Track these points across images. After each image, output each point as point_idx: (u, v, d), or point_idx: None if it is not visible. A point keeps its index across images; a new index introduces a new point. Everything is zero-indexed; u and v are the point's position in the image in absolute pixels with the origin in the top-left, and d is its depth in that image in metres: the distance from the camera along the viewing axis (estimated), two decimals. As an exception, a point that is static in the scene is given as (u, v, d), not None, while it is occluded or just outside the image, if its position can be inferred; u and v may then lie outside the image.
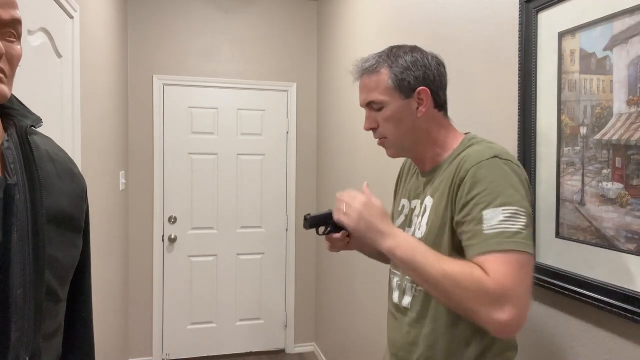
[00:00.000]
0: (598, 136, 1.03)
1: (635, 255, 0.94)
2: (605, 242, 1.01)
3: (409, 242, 0.94)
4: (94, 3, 2.25)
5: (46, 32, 1.58)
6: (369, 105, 1.08)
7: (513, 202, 0.88)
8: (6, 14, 0.65)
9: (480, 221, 0.88)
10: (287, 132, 3.56)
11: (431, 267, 0.88)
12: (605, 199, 1.01)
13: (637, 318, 0.93)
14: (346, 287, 2.88)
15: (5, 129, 0.71)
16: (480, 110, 1.48)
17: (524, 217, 0.88)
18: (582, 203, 1.07)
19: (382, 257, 1.25)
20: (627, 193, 0.96)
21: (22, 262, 0.66)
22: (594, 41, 1.03)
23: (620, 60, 0.97)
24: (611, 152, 1.00)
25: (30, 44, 1.44)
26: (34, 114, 0.78)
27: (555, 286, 1.13)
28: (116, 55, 2.81)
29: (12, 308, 0.65)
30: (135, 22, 3.24)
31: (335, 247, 1.26)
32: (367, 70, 1.07)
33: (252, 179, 3.50)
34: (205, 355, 3.44)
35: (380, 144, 1.12)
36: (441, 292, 0.89)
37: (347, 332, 2.86)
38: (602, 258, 1.02)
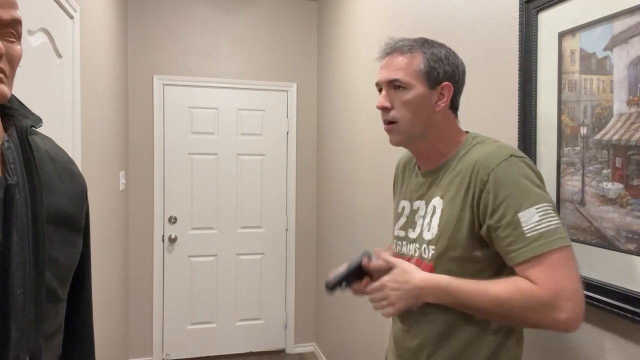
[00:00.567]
0: (598, 136, 1.03)
1: (635, 255, 0.94)
2: (605, 242, 1.01)
3: (450, 286, 0.96)
4: (94, 3, 2.25)
5: (46, 32, 1.58)
6: (391, 83, 1.05)
7: (541, 200, 0.90)
8: (6, 14, 0.65)
9: (518, 224, 0.89)
10: (287, 132, 3.56)
11: (481, 300, 0.92)
12: (605, 199, 1.01)
13: (637, 318, 0.93)
14: (346, 287, 2.88)
15: (5, 129, 0.71)
16: (480, 110, 1.47)
17: (554, 212, 0.90)
18: (582, 203, 1.07)
19: None
20: (627, 193, 0.96)
21: (22, 262, 0.66)
22: (594, 41, 1.03)
23: (620, 60, 0.97)
24: (611, 152, 1.00)
25: (30, 44, 1.44)
26: (34, 114, 0.78)
27: (555, 286, 1.13)
28: (116, 55, 2.81)
29: (12, 308, 0.65)
30: (135, 22, 3.24)
31: (364, 292, 1.18)
32: (399, 49, 1.05)
33: (252, 179, 3.50)
34: (205, 355, 3.44)
35: (389, 129, 1.08)
36: (500, 317, 0.94)
37: (347, 332, 2.86)
38: (602, 258, 1.02)
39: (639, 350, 0.95)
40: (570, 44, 1.10)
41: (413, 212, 1.12)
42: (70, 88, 1.83)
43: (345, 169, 2.92)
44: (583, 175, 1.07)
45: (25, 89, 1.34)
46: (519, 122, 1.26)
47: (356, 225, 2.70)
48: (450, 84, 1.04)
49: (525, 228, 0.88)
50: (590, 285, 1.04)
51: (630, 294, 0.95)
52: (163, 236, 3.35)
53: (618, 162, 0.98)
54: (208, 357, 3.44)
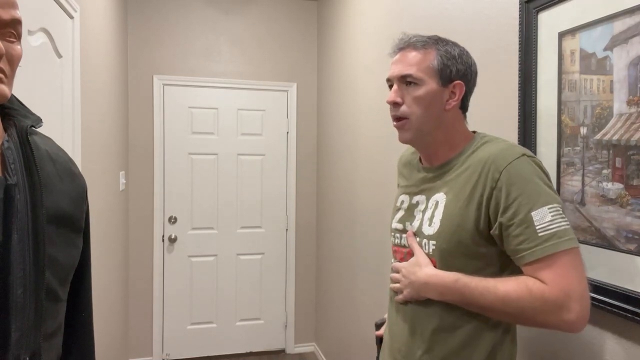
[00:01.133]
0: (598, 136, 1.03)
1: (635, 255, 0.94)
2: (605, 242, 1.01)
3: (457, 283, 0.96)
4: (94, 3, 2.25)
5: (46, 32, 1.58)
6: (403, 78, 1.05)
7: (552, 200, 0.91)
8: (6, 14, 0.65)
9: (530, 222, 0.89)
10: (287, 132, 3.56)
11: (490, 299, 0.92)
12: (605, 199, 1.01)
13: (637, 318, 0.93)
14: (346, 286, 2.88)
15: (5, 129, 0.71)
16: (480, 110, 1.47)
17: (564, 212, 0.91)
18: (582, 203, 1.07)
19: None
20: (627, 193, 0.96)
21: (22, 262, 0.66)
22: (594, 41, 1.03)
23: (620, 60, 0.97)
24: (611, 152, 1.00)
25: (30, 44, 1.44)
26: (34, 114, 0.78)
27: (555, 286, 1.13)
28: (116, 55, 2.81)
29: (12, 308, 0.65)
30: (135, 22, 3.24)
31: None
32: (413, 45, 1.05)
33: (252, 179, 3.50)
34: (205, 355, 3.44)
35: (399, 125, 1.07)
36: (507, 316, 0.94)
37: (347, 332, 2.86)
38: (602, 258, 1.02)
39: (639, 350, 0.95)
40: (570, 44, 1.10)
41: (412, 206, 1.13)
42: (70, 88, 1.83)
43: (345, 168, 2.92)
44: (583, 175, 1.07)
45: (25, 89, 1.34)
46: (519, 122, 1.26)
47: (356, 225, 2.70)
48: (462, 82, 1.04)
49: (537, 227, 0.89)
50: (590, 285, 1.03)
51: (630, 294, 0.95)
52: (163, 236, 3.35)
53: (618, 162, 0.98)
54: (208, 357, 3.44)
